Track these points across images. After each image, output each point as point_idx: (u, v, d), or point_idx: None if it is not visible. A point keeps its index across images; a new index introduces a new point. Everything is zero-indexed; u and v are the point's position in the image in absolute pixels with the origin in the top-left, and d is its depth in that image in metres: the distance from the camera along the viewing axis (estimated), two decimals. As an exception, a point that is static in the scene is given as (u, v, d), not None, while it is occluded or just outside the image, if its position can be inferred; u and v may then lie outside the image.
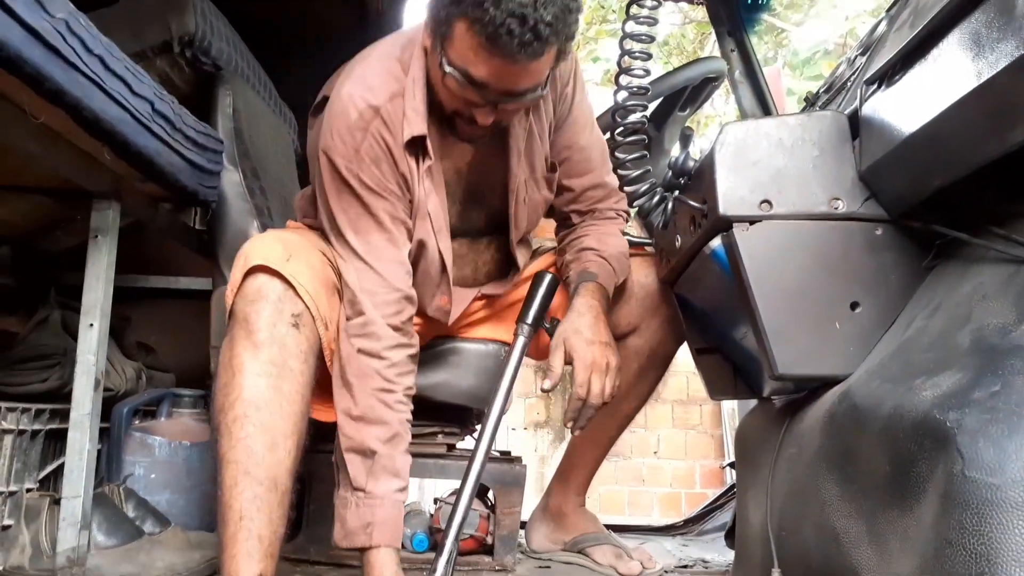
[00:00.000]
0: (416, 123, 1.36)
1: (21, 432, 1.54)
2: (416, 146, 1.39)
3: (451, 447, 1.78)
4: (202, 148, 1.73)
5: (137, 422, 1.76)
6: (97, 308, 1.43)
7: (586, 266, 1.56)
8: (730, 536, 1.83)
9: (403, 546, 1.82)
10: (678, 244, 1.47)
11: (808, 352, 1.18)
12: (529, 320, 1.54)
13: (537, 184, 1.56)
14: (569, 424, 1.45)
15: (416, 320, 1.45)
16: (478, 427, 1.79)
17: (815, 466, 1.12)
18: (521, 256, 1.65)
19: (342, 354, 1.33)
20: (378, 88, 1.37)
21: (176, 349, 2.23)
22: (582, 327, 1.44)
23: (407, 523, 1.83)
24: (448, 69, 1.25)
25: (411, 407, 1.39)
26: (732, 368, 1.56)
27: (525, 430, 5.78)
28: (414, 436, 1.75)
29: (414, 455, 1.73)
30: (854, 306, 1.18)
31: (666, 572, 1.76)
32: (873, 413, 0.97)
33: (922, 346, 1.01)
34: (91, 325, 1.41)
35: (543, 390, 1.47)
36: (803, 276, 1.20)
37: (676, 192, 1.46)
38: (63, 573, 1.31)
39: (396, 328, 1.36)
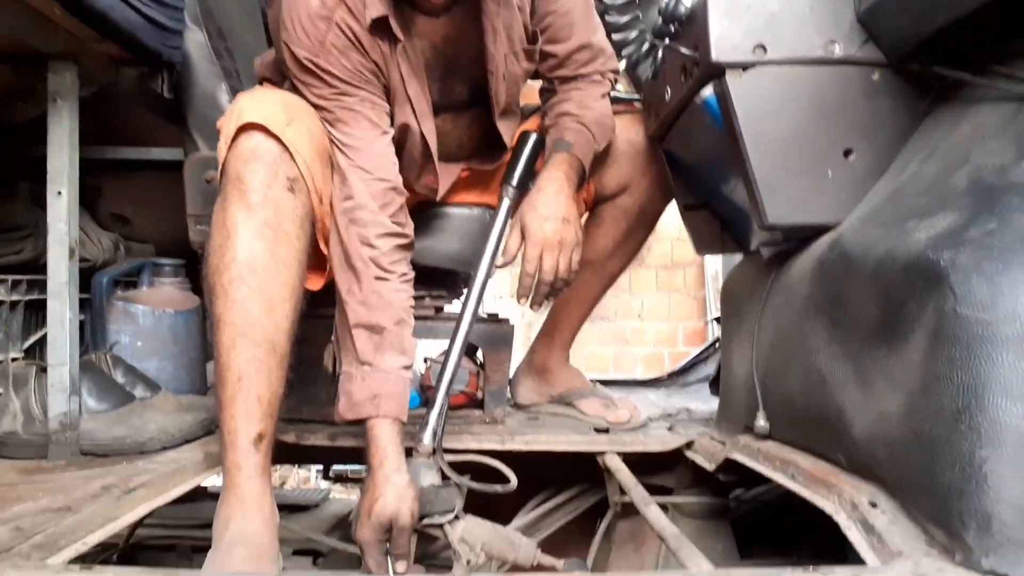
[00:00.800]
0: (375, 4, 1.27)
1: (0, 303, 1.52)
2: (383, 28, 1.30)
3: (439, 309, 1.78)
4: (161, 4, 1.62)
5: (119, 292, 1.74)
6: (63, 175, 1.37)
7: (562, 134, 1.51)
8: (714, 384, 1.87)
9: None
10: (667, 96, 1.42)
11: (799, 201, 1.16)
12: (514, 182, 1.51)
13: (517, 57, 1.48)
14: (522, 301, 1.44)
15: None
16: (465, 290, 1.80)
17: (802, 313, 1.12)
18: (506, 131, 1.59)
19: (343, 237, 1.31)
20: None
21: (153, 220, 2.18)
22: (538, 203, 1.41)
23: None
24: None
25: (411, 292, 1.38)
26: (720, 223, 1.55)
27: (512, 297, 5.84)
28: (400, 300, 1.76)
29: (401, 318, 1.75)
30: (847, 153, 1.16)
31: (651, 419, 1.82)
32: (864, 258, 0.97)
33: (916, 190, 1.00)
34: (59, 193, 1.36)
35: (497, 266, 1.46)
36: (796, 123, 1.16)
37: (666, 40, 1.39)
38: (57, 437, 1.32)
39: (386, 217, 1.32)
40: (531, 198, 1.43)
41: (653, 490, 1.82)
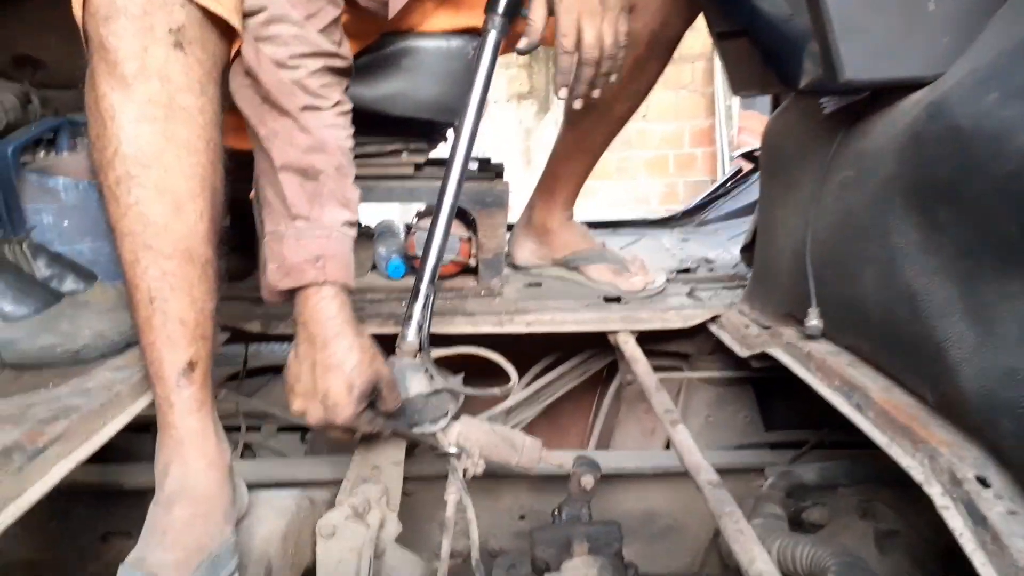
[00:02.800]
0: None
1: None
2: None
3: (419, 166, 1.50)
4: None
5: (38, 156, 1.44)
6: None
7: None
8: (747, 251, 1.63)
9: (374, 267, 1.63)
10: None
11: (888, 46, 0.86)
12: (500, 9, 1.17)
13: None
14: (562, 93, 1.14)
15: (347, 18, 1.08)
16: (450, 134, 1.51)
17: (885, 200, 0.86)
18: None
19: (251, 64, 0.98)
20: None
21: (78, 55, 1.82)
22: None
23: (381, 243, 1.62)
24: None
25: (350, 130, 1.08)
26: (762, 55, 1.22)
27: (508, 102, 5.44)
28: (372, 155, 1.47)
29: (376, 177, 1.48)
30: (960, -27, 0.84)
31: (668, 280, 1.60)
32: (995, 143, 0.69)
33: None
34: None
35: (519, 51, 1.15)
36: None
37: None
38: (-32, 359, 1.10)
39: (314, 31, 1.00)
40: None
41: (670, 356, 1.65)
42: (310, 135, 1.00)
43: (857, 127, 0.96)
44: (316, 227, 1.01)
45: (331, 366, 0.98)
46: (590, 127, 1.47)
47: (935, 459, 0.73)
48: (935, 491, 0.71)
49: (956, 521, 0.68)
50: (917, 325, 0.79)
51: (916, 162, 0.81)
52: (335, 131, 1.03)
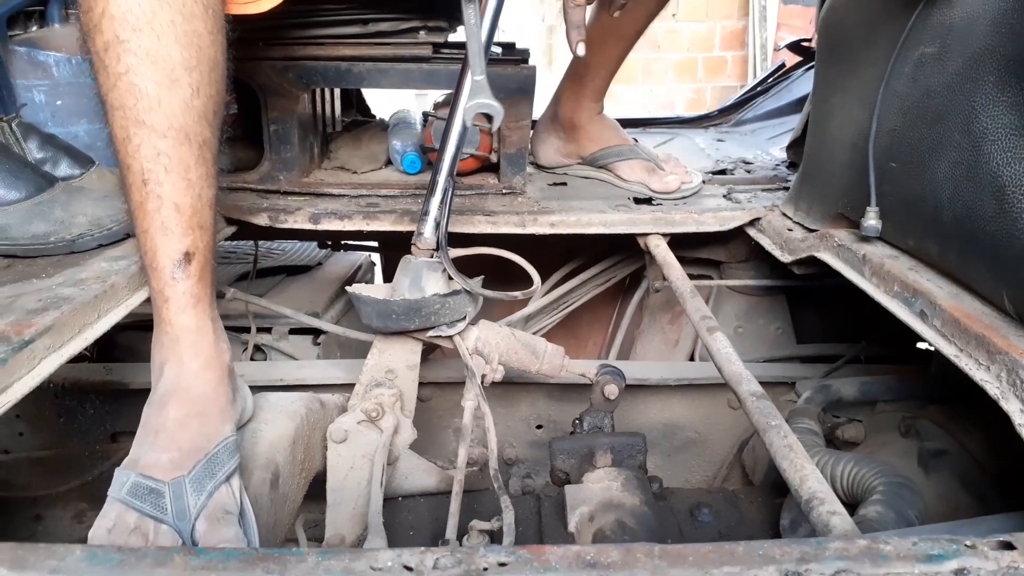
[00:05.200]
0: None
1: None
2: None
3: (437, 47, 1.37)
4: None
5: (22, 33, 1.34)
6: None
7: None
8: (795, 147, 1.50)
9: (389, 162, 1.54)
10: None
11: None
12: None
13: None
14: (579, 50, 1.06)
15: None
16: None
17: (974, 78, 0.75)
18: None
19: None
20: None
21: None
22: None
23: (396, 135, 1.52)
24: None
25: None
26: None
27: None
28: (386, 34, 1.35)
29: (390, 59, 1.37)
30: None
31: (704, 181, 1.48)
32: None
33: None
34: None
35: None
36: None
37: None
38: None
39: None
40: None
41: (700, 264, 1.56)
42: None
43: (942, -3, 0.83)
44: None
45: None
46: (628, 8, 1.33)
47: (1015, 372, 0.64)
48: (1013, 408, 0.63)
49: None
50: (1001, 221, 0.69)
51: (1019, 31, 0.69)
52: None
